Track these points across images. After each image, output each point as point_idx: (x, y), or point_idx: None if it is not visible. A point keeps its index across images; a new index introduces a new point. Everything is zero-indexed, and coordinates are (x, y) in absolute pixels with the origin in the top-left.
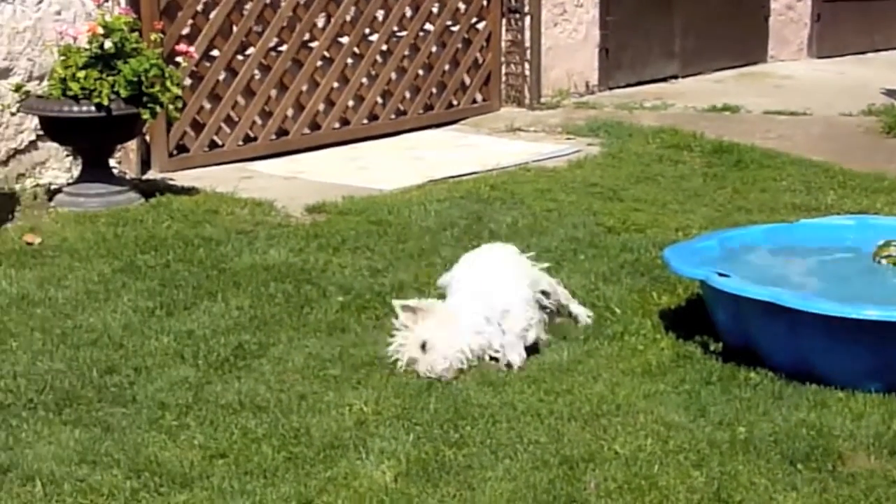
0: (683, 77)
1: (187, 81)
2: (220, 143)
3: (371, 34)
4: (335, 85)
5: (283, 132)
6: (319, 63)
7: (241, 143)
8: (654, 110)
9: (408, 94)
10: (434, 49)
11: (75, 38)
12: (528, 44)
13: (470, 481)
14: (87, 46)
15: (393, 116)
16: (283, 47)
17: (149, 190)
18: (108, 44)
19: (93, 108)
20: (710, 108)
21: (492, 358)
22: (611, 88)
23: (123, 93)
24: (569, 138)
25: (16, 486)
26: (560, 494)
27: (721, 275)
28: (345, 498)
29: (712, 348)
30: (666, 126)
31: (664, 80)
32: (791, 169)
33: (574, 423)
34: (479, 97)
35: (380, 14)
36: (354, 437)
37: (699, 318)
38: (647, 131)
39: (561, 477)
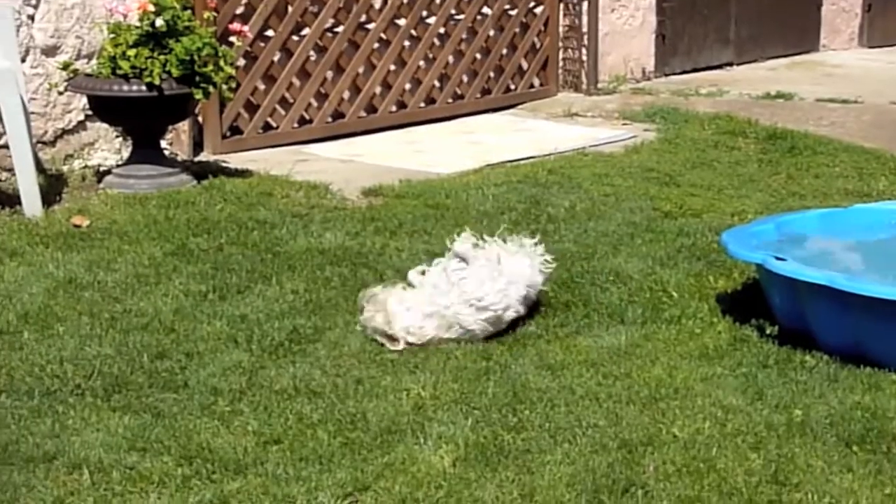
0: (738, 64)
1: (241, 62)
2: (274, 125)
3: (428, 17)
4: (392, 67)
5: (338, 115)
6: (376, 45)
7: (295, 125)
8: (710, 97)
9: (465, 78)
10: (491, 33)
11: (125, 16)
12: (585, 29)
13: (529, 465)
14: (138, 24)
15: (450, 100)
16: (339, 28)
17: (201, 172)
18: (159, 21)
19: (143, 88)
20: (764, 95)
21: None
22: (666, 75)
23: (175, 72)
24: (625, 124)
25: (62, 475)
26: (619, 478)
27: (778, 258)
28: (402, 483)
29: (768, 332)
30: (721, 112)
31: (719, 67)
32: (843, 156)
33: (632, 407)
34: (536, 82)
35: None
36: (412, 421)
37: (755, 301)
38: (702, 117)
39: (620, 460)
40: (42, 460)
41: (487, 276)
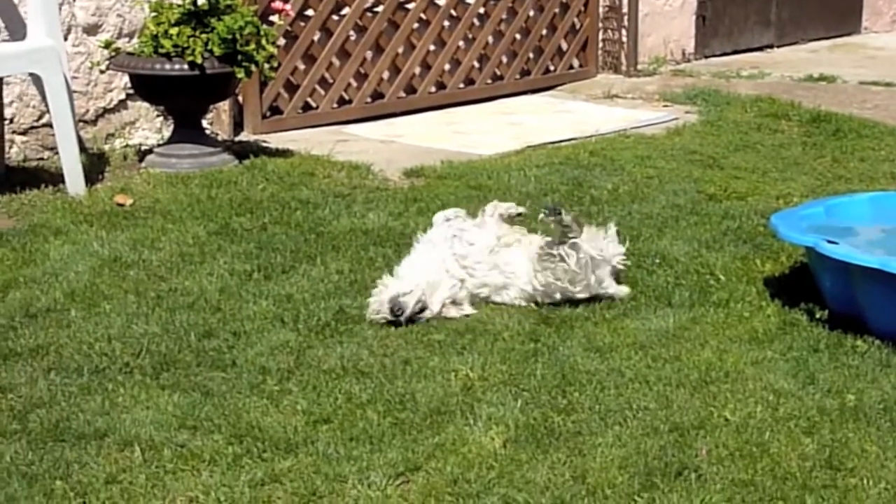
0: (778, 46)
1: (281, 41)
2: (314, 105)
3: None
4: (431, 48)
5: (378, 95)
6: (416, 25)
7: (335, 105)
8: (751, 79)
9: (504, 59)
10: (531, 13)
11: None
12: (625, 10)
13: (580, 448)
14: (180, 2)
15: (489, 81)
16: (379, 8)
17: (242, 152)
18: (201, 0)
19: (185, 67)
20: (806, 77)
21: None
22: (706, 57)
23: (217, 51)
24: (666, 105)
25: (114, 452)
26: (672, 461)
27: (830, 241)
28: (454, 464)
29: (818, 315)
30: (763, 95)
31: (759, 49)
32: (889, 139)
33: (683, 390)
34: (575, 63)
35: None
36: (461, 402)
37: (804, 285)
38: (744, 100)
39: (672, 443)
40: (93, 437)
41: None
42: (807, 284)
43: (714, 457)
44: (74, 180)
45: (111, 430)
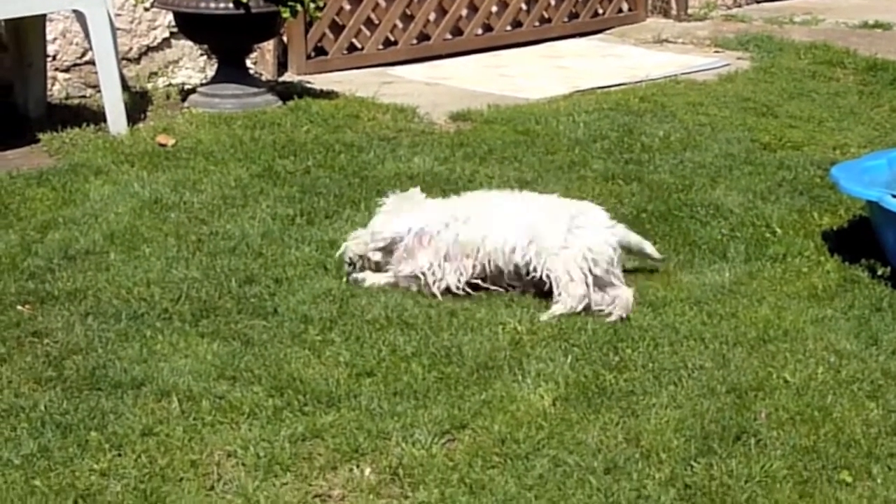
0: None
1: None
2: (359, 46)
3: None
4: None
5: (424, 37)
6: None
7: (380, 46)
8: (804, 25)
9: (552, 2)
10: None
11: None
12: None
13: (633, 408)
14: None
15: (537, 24)
16: None
17: (286, 93)
18: None
19: (230, 5)
20: (861, 24)
21: None
22: (758, 1)
23: None
24: (717, 51)
25: (151, 402)
26: (730, 424)
27: (895, 196)
28: (501, 422)
29: (880, 272)
30: (817, 41)
31: None
32: None
33: (740, 349)
34: (624, 6)
35: None
36: (509, 357)
37: (864, 240)
38: (797, 46)
39: (729, 405)
40: (130, 386)
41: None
42: (867, 240)
43: (774, 421)
44: (116, 119)
45: (148, 380)
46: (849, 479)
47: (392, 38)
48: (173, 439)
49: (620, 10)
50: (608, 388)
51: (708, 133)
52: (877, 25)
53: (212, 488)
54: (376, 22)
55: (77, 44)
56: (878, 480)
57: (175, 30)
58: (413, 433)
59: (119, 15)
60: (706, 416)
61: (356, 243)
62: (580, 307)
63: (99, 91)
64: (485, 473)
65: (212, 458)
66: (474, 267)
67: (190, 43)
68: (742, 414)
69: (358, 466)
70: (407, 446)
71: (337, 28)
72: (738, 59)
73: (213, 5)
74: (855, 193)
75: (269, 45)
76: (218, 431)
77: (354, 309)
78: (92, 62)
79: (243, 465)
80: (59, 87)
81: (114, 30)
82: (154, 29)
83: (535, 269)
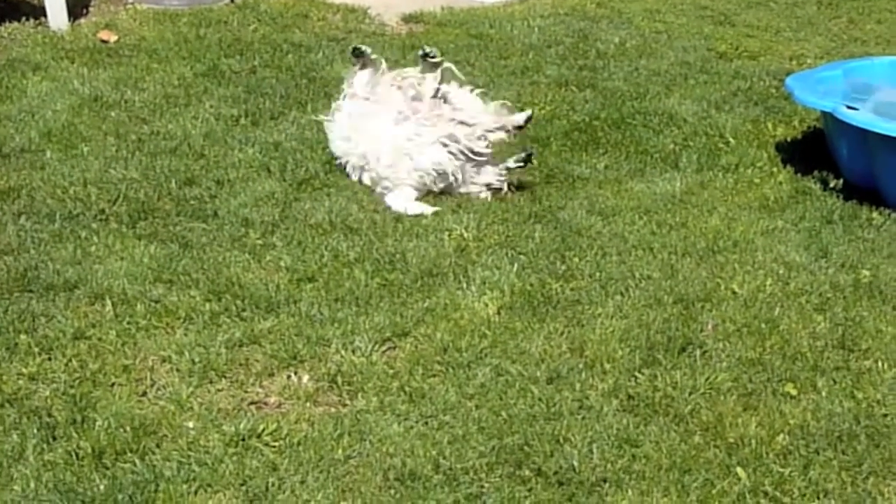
0: None
1: None
2: None
3: None
4: None
5: None
6: None
7: None
8: None
9: None
10: None
11: None
12: None
13: (579, 317)
14: None
15: None
16: None
17: None
18: None
19: None
20: None
21: None
22: None
23: None
24: None
25: (83, 305)
26: (676, 335)
27: (849, 107)
28: (444, 330)
29: (832, 185)
30: None
31: None
32: None
33: (689, 259)
34: None
35: None
36: (454, 264)
37: (818, 151)
38: None
39: (676, 316)
40: (63, 289)
41: None
42: (821, 151)
43: (720, 332)
44: (56, 14)
45: (82, 282)
46: (793, 392)
47: None
48: (106, 343)
49: None
50: (554, 297)
51: (664, 41)
52: None
53: (144, 394)
54: None
55: None
56: (823, 393)
57: None
58: (353, 340)
59: None
60: (652, 327)
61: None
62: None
63: None
64: (425, 382)
65: (145, 364)
66: None
67: None
68: (688, 325)
69: (296, 373)
70: (346, 353)
71: None
72: None
73: None
74: (809, 104)
75: None
76: (152, 336)
77: (297, 213)
78: None
79: (177, 370)
80: None
81: None
82: None
83: None
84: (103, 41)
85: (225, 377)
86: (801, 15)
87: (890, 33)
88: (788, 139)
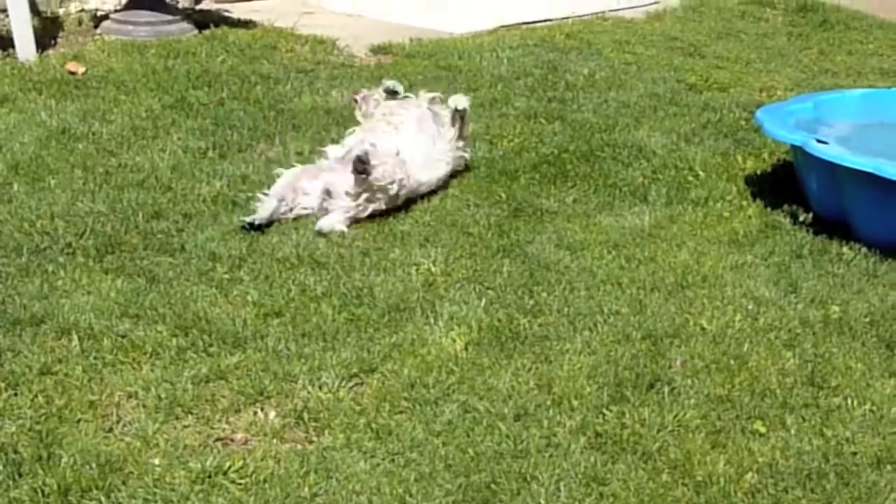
0: None
1: None
2: None
3: None
4: None
5: None
6: None
7: None
8: None
9: None
10: None
11: None
12: None
13: (546, 353)
14: None
15: None
16: None
17: (203, 21)
18: None
19: None
20: None
21: None
22: None
23: None
24: None
25: (50, 340)
26: (644, 372)
27: (819, 141)
28: (411, 366)
29: (802, 219)
30: None
31: None
32: (878, 32)
33: (657, 294)
34: None
35: None
36: (422, 299)
37: (787, 185)
38: None
39: (644, 352)
40: (29, 323)
41: None
42: (791, 184)
43: (689, 369)
44: (25, 45)
45: (49, 316)
46: (762, 430)
47: None
48: (72, 379)
49: None
50: (522, 333)
51: (633, 72)
52: None
53: (110, 430)
54: None
55: None
56: (792, 431)
57: None
58: (320, 376)
59: None
60: (620, 363)
61: None
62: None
63: (6, 15)
64: (392, 418)
65: (111, 399)
66: None
67: None
68: (657, 361)
69: (262, 409)
70: (313, 390)
71: None
72: None
73: None
74: (779, 137)
75: None
76: (119, 371)
77: (264, 247)
78: None
79: (144, 406)
80: None
81: None
82: None
83: None
84: (71, 73)
85: (191, 413)
86: (772, 46)
87: (860, 65)
88: (758, 172)
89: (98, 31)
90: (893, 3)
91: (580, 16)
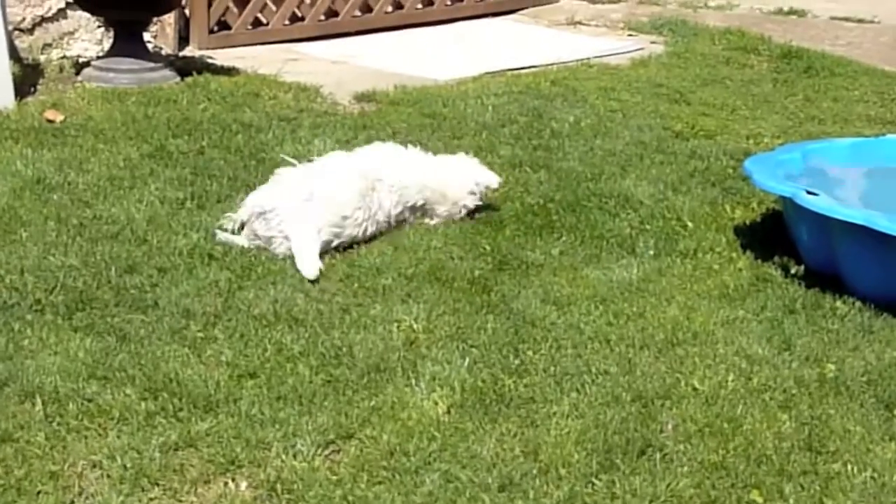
0: None
1: None
2: (264, 21)
3: None
4: None
5: (332, 13)
6: None
7: (287, 22)
8: (719, 10)
9: None
10: None
11: None
12: None
13: (532, 417)
14: None
15: (448, 3)
16: None
17: (185, 68)
18: None
19: None
20: (776, 10)
21: None
22: None
23: None
24: (631, 35)
25: (12, 404)
26: (634, 437)
27: (809, 192)
28: (391, 432)
29: (793, 271)
30: (732, 27)
31: None
32: (863, 79)
33: (647, 353)
34: None
35: None
36: (403, 359)
37: (777, 235)
38: (712, 31)
39: (634, 415)
40: None
41: None
42: (780, 235)
43: (681, 433)
44: (3, 92)
45: (12, 379)
46: (759, 499)
47: (299, 14)
48: (33, 447)
49: None
50: (507, 395)
51: (619, 120)
52: (791, 12)
53: (72, 503)
54: None
55: None
56: (790, 501)
57: (71, 0)
58: (295, 443)
59: None
60: (609, 427)
61: None
62: None
63: None
64: (370, 490)
65: (74, 469)
66: None
67: (87, 14)
68: (647, 425)
69: (233, 480)
70: (287, 458)
71: (241, 1)
72: (652, 43)
73: None
74: (769, 189)
75: (170, 17)
76: (83, 438)
77: (241, 303)
78: None
79: (108, 476)
80: None
81: None
82: None
83: None
84: (49, 121)
85: (158, 484)
86: (757, 93)
87: (846, 111)
88: (747, 222)
89: (79, 78)
90: (875, 49)
91: (565, 62)
